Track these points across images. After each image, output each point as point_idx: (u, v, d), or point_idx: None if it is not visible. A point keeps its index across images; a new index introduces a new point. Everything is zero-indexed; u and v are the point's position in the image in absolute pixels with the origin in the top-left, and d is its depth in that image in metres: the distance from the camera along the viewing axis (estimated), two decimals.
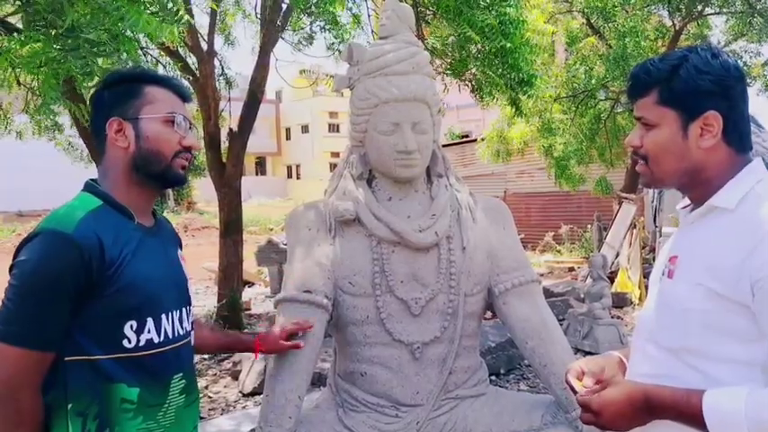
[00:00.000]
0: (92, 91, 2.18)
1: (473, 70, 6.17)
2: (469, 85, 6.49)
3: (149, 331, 1.49)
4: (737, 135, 1.33)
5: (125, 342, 1.46)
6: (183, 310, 1.62)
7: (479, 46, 5.45)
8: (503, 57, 5.49)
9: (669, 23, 10.35)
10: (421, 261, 2.17)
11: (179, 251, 1.73)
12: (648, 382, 1.31)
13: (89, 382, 1.43)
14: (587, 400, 1.32)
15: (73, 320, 1.42)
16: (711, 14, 10.39)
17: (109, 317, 1.44)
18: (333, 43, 6.69)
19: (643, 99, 1.37)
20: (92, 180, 1.58)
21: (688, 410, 1.20)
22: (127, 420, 1.46)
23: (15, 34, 3.16)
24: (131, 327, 1.46)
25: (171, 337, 1.55)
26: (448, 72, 6.08)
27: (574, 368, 1.45)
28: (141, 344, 1.48)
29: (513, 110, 6.35)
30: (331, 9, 5.10)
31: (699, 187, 1.35)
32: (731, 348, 1.24)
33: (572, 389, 1.40)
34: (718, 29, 11.40)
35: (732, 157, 1.33)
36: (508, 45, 5.23)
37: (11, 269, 1.42)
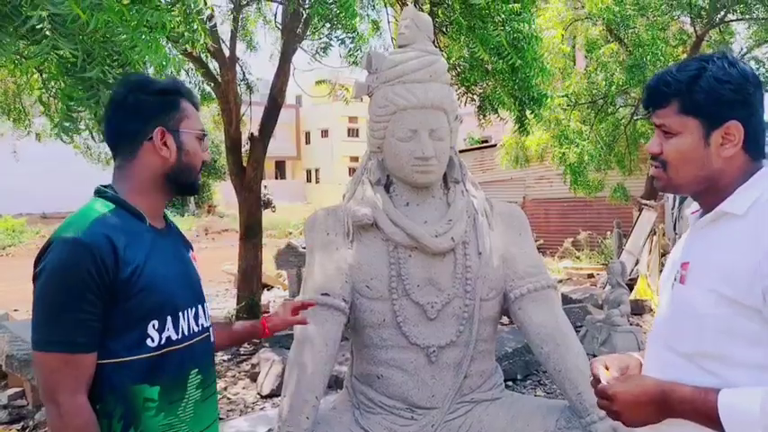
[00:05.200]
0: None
1: (483, 86, 6.17)
2: (477, 99, 6.49)
3: (168, 329, 1.55)
4: (755, 143, 1.35)
5: (149, 341, 1.51)
6: (199, 307, 1.67)
7: (490, 64, 5.43)
8: (513, 74, 5.48)
9: (690, 30, 10.27)
10: (437, 266, 2.20)
11: (190, 251, 1.79)
12: None
13: (115, 383, 1.48)
14: (602, 386, 1.36)
15: (101, 324, 1.47)
16: (733, 21, 10.31)
17: (135, 318, 1.49)
18: (350, 53, 6.73)
19: (663, 109, 1.38)
20: (103, 186, 1.62)
21: (704, 407, 1.23)
22: (150, 418, 1.51)
23: (44, 41, 3.23)
24: (154, 326, 1.52)
25: (187, 334, 1.60)
26: (459, 84, 6.09)
27: (600, 360, 1.47)
28: (162, 342, 1.53)
29: (517, 126, 6.31)
30: (351, 22, 5.12)
31: (714, 194, 1.37)
32: (747, 353, 1.25)
33: (596, 381, 1.42)
34: (740, 35, 11.30)
35: (748, 165, 1.36)
36: (518, 63, 5.21)
37: (34, 281, 1.49)
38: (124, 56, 2.44)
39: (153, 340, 1.51)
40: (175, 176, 1.63)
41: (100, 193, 1.59)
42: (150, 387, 1.51)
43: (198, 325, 1.65)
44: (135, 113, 1.59)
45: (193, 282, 1.70)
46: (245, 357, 6.21)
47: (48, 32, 2.25)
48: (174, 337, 1.56)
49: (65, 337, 1.42)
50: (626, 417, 1.34)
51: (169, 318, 1.55)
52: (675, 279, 1.41)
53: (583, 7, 9.30)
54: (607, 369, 1.45)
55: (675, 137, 1.37)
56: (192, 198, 26.66)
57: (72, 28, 2.26)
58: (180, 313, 1.59)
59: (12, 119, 7.90)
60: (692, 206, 1.48)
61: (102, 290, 1.44)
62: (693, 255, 1.39)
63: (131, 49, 2.40)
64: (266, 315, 2.09)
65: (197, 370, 1.63)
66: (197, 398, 1.62)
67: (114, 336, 1.47)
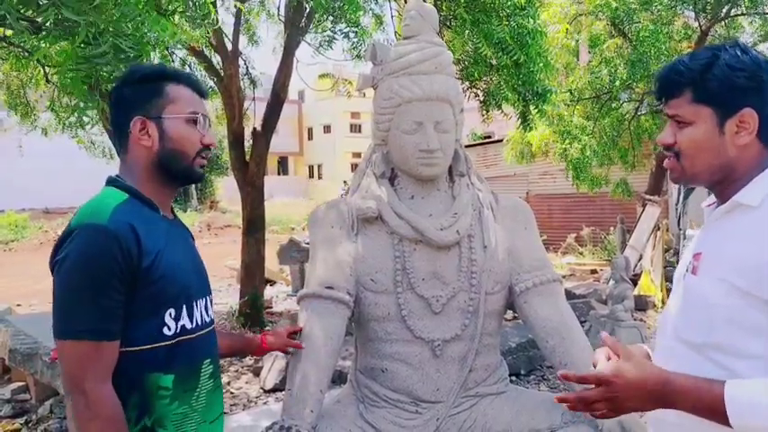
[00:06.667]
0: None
1: (486, 81, 6.16)
2: (481, 94, 6.47)
3: (183, 318, 1.55)
4: None
5: (165, 330, 1.51)
6: (207, 298, 1.68)
7: (494, 60, 5.42)
8: (517, 69, 5.46)
9: (695, 25, 10.23)
10: (442, 259, 2.19)
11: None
12: None
13: (131, 372, 1.47)
14: (602, 369, 1.28)
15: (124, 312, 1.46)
16: (738, 15, 10.26)
17: (153, 306, 1.49)
18: (353, 46, 6.72)
19: (676, 99, 1.37)
20: (115, 176, 1.61)
21: (708, 399, 1.20)
22: (164, 406, 1.51)
23: (44, 33, 3.23)
24: (170, 314, 1.52)
25: (200, 323, 1.61)
26: (463, 79, 6.07)
27: (603, 351, 1.40)
28: (178, 330, 1.53)
29: (521, 122, 6.28)
30: (353, 14, 5.11)
31: (729, 184, 1.36)
32: (755, 345, 1.24)
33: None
34: (745, 30, 11.25)
35: (763, 154, 1.35)
36: (522, 58, 5.19)
37: (53, 269, 1.46)
38: (135, 30, 2.44)
39: (170, 329, 1.52)
40: (163, 164, 1.59)
41: (113, 182, 1.58)
42: (165, 375, 1.51)
43: (208, 316, 1.66)
44: (118, 107, 1.60)
45: (202, 273, 1.70)
46: None
47: (53, 5, 2.24)
48: (188, 326, 1.56)
49: (93, 325, 1.41)
50: (623, 400, 1.25)
51: (184, 306, 1.55)
52: (687, 270, 1.40)
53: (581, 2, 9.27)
54: (609, 360, 1.41)
55: (689, 126, 1.36)
56: (194, 193, 26.70)
57: (79, 4, 2.25)
58: (193, 302, 1.59)
59: (18, 114, 7.90)
60: (708, 199, 1.47)
61: (127, 277, 1.43)
62: (706, 246, 1.38)
63: (141, 24, 2.40)
64: (265, 333, 2.17)
65: (209, 360, 1.64)
66: (209, 388, 1.63)
67: (133, 324, 1.47)
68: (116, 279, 1.42)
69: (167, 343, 1.51)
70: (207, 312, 1.66)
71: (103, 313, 1.42)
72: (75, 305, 1.42)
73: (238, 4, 6.20)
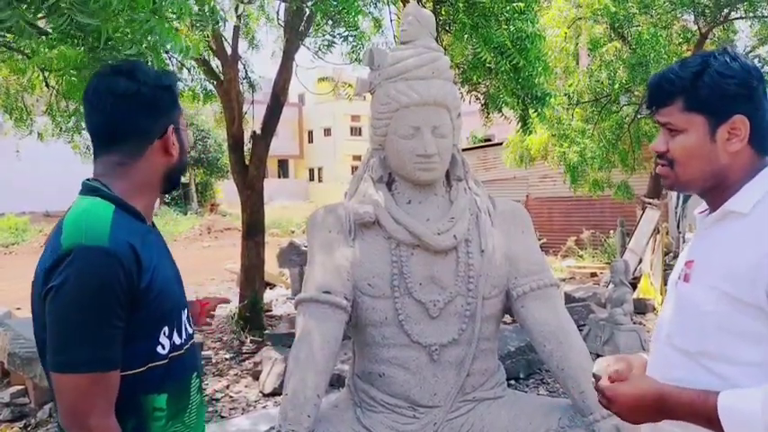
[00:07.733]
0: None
1: (486, 85, 6.17)
2: (481, 97, 6.48)
3: (174, 334, 1.47)
4: (761, 138, 1.34)
5: (159, 349, 1.43)
6: (187, 308, 1.59)
7: (493, 64, 5.43)
8: (516, 73, 5.47)
9: (694, 28, 10.24)
10: (439, 264, 2.19)
11: None
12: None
13: (126, 396, 1.38)
14: (602, 386, 1.37)
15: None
16: (737, 19, 10.28)
17: (150, 325, 1.41)
18: (352, 50, 6.72)
19: (668, 107, 1.37)
20: (95, 182, 1.47)
21: (704, 410, 1.22)
22: (160, 428, 1.44)
23: (44, 38, 3.24)
24: (164, 332, 1.44)
25: (185, 337, 1.53)
26: (463, 83, 6.09)
27: (603, 360, 1.48)
28: (170, 348, 1.46)
29: (521, 125, 6.29)
30: (353, 18, 5.11)
31: (721, 191, 1.36)
32: (747, 351, 1.25)
33: (597, 379, 1.43)
34: (743, 33, 11.28)
35: (754, 160, 1.35)
36: (522, 62, 5.20)
37: (46, 294, 1.32)
38: (140, 41, 2.44)
39: (164, 347, 1.44)
40: (174, 175, 1.54)
41: (95, 190, 1.43)
42: (158, 396, 1.43)
43: (191, 326, 1.59)
44: (150, 109, 1.46)
45: (181, 281, 1.60)
46: (247, 356, 6.22)
47: (66, 10, 2.24)
48: (177, 341, 1.48)
49: (97, 355, 1.30)
50: (625, 417, 1.35)
51: (175, 321, 1.48)
52: (679, 277, 1.41)
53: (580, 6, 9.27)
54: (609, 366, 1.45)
55: (681, 134, 1.36)
56: (194, 196, 26.73)
57: (94, 8, 2.24)
58: (181, 315, 1.52)
59: (14, 118, 7.90)
60: (700, 206, 1.47)
61: (128, 299, 1.33)
62: (698, 253, 1.39)
63: (149, 33, 2.40)
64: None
65: (195, 373, 1.57)
66: (198, 402, 1.57)
67: (130, 346, 1.37)
68: (119, 304, 1.32)
69: (162, 362, 1.43)
70: (189, 323, 1.57)
71: (106, 342, 1.31)
72: (77, 336, 1.30)
73: (242, 6, 6.20)
